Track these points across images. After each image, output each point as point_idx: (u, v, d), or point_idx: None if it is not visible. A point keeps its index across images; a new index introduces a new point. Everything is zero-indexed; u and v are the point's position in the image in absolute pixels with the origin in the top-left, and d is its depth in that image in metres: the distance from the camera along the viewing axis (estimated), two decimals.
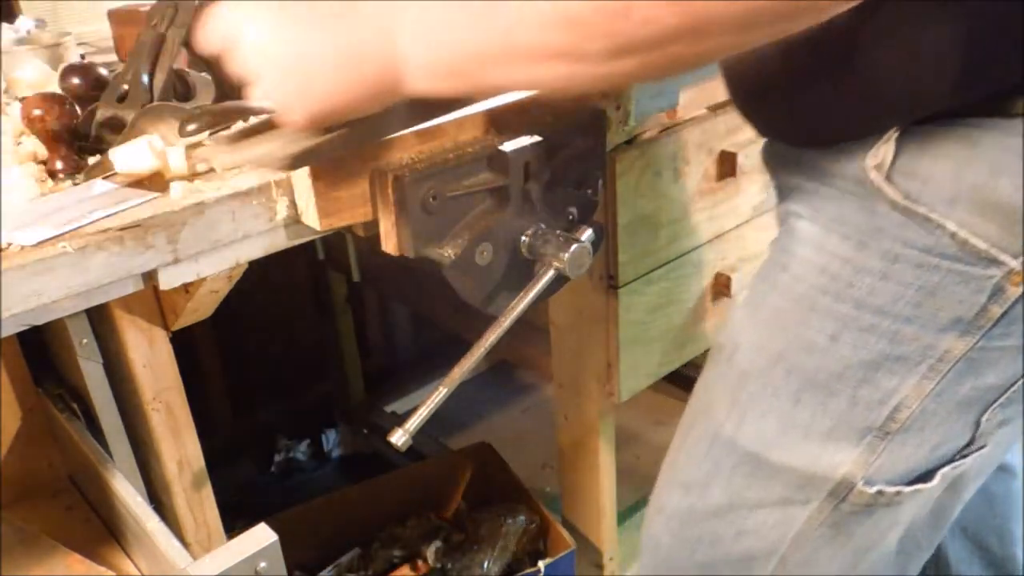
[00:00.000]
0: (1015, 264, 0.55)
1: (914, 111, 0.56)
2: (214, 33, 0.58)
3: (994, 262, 0.56)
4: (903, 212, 0.57)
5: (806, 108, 0.61)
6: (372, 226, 0.71)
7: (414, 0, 0.53)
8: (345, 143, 0.63)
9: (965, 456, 0.65)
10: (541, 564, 1.18)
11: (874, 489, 0.64)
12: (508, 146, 0.72)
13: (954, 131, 0.55)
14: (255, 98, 0.58)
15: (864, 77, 0.56)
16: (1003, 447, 0.68)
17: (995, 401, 0.62)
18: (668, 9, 0.43)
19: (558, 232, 0.76)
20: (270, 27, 0.55)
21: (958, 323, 0.58)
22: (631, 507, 1.43)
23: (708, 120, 1.01)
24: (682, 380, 1.76)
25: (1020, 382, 0.62)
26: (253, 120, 0.64)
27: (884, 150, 0.57)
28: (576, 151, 0.78)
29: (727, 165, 1.03)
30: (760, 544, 0.69)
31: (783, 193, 0.70)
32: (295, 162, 0.61)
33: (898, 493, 0.65)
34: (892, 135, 0.57)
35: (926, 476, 0.65)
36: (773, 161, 0.71)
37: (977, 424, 0.63)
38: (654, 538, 0.78)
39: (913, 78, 0.55)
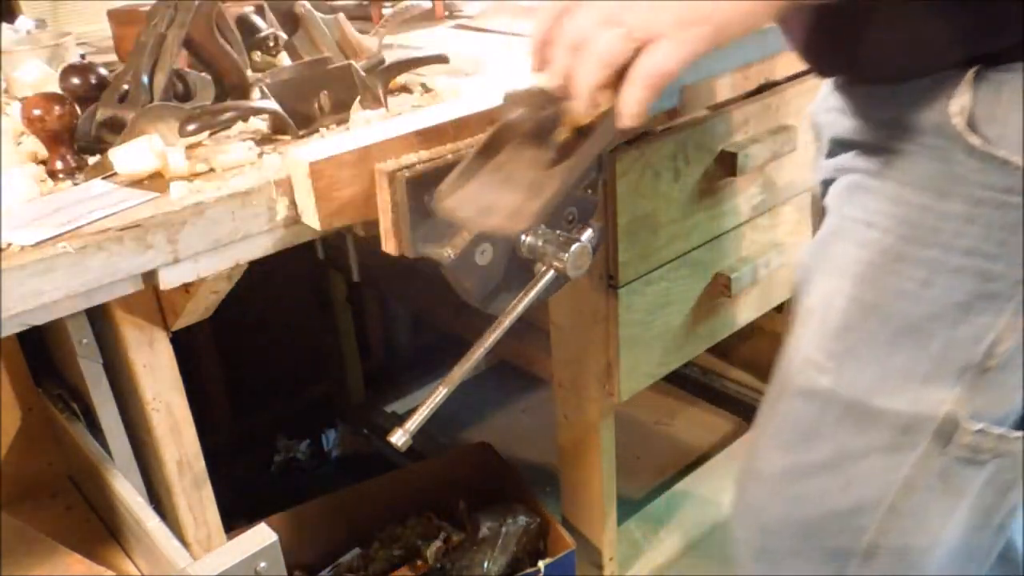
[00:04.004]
0: None
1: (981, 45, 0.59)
2: None
3: None
4: (980, 158, 0.61)
5: (884, 40, 0.64)
6: (372, 226, 0.71)
7: None
8: (576, 179, 0.61)
9: None
10: (541, 564, 1.18)
11: (979, 426, 0.66)
12: None
13: None
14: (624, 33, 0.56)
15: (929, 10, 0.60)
16: None
17: None
18: None
19: (558, 232, 0.76)
20: None
21: None
22: (631, 507, 1.43)
23: (708, 120, 1.01)
24: (682, 380, 1.77)
25: None
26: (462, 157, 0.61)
27: (965, 98, 0.60)
28: None
29: (727, 165, 1.03)
30: (869, 492, 0.70)
31: (841, 150, 0.71)
32: (538, 218, 0.58)
33: (1002, 436, 0.66)
34: (968, 83, 0.60)
35: None
36: (831, 119, 0.72)
37: None
38: (752, 506, 0.78)
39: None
